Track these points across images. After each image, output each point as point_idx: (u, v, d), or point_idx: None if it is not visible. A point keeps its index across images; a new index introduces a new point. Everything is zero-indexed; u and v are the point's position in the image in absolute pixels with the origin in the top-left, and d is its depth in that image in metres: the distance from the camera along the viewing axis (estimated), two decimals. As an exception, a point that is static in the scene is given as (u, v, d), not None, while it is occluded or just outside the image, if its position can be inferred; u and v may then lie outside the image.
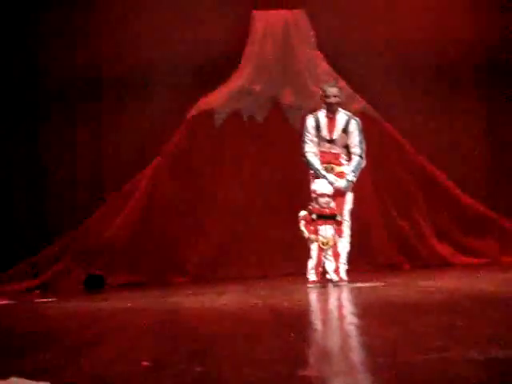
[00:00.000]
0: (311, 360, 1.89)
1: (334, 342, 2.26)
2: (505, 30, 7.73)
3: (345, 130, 5.52)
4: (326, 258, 5.07)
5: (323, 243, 5.02)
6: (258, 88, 7.45)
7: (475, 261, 7.19)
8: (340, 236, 5.16)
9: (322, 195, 5.14)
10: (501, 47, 7.74)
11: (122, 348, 2.34)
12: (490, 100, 7.79)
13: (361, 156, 5.51)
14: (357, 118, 5.63)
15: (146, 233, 7.20)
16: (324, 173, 5.42)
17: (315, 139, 5.56)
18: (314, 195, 5.21)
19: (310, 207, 5.19)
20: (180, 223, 7.29)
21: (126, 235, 7.15)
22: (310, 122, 5.58)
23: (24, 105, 7.67)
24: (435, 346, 1.91)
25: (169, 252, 7.20)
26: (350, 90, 7.32)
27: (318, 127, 5.54)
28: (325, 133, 5.53)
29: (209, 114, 7.43)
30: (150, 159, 7.41)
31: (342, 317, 3.24)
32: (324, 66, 7.44)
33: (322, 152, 5.56)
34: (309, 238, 5.05)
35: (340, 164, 5.59)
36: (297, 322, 2.92)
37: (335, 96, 5.49)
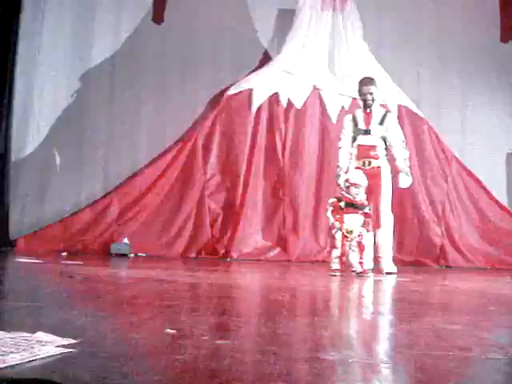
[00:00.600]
0: (330, 344, 1.90)
1: (353, 330, 2.27)
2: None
3: (381, 123, 5.64)
4: (350, 249, 5.06)
5: (347, 231, 5.01)
6: (298, 71, 7.43)
7: (502, 266, 7.12)
8: (367, 229, 5.15)
9: (355, 185, 5.13)
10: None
11: (145, 315, 2.38)
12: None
13: (404, 147, 5.68)
14: (392, 111, 5.81)
15: (177, 205, 7.25)
16: (341, 173, 5.57)
17: (351, 134, 5.70)
18: (346, 184, 5.20)
19: (340, 195, 5.19)
20: (211, 200, 7.32)
21: (157, 206, 7.22)
22: (347, 118, 5.81)
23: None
24: (456, 345, 1.91)
25: (199, 228, 7.23)
26: (394, 84, 7.27)
27: (355, 122, 5.70)
28: (362, 125, 5.67)
29: (247, 94, 7.43)
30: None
31: (363, 306, 3.25)
32: (369, 58, 7.40)
33: (359, 146, 5.67)
34: (333, 225, 5.05)
35: (377, 157, 5.61)
36: (318, 306, 2.93)
37: (370, 93, 5.64)
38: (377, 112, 5.68)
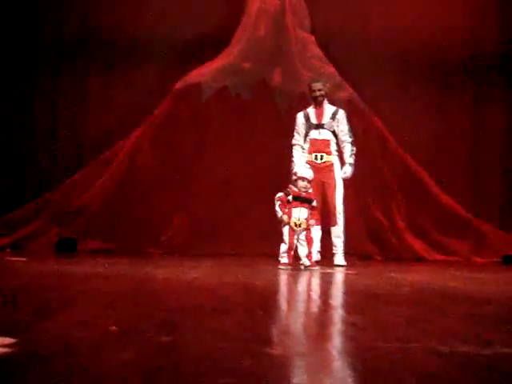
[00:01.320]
0: (277, 339, 1.90)
1: (300, 324, 2.28)
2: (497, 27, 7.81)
3: (333, 118, 5.82)
4: (298, 243, 5.09)
5: (296, 224, 5.04)
6: (247, 66, 7.42)
7: (447, 258, 7.28)
8: (313, 222, 5.18)
9: (302, 179, 5.16)
10: (492, 44, 7.80)
11: (89, 313, 2.34)
12: (476, 99, 7.84)
13: (351, 143, 5.85)
14: (343, 110, 5.95)
15: (122, 201, 7.17)
16: (298, 169, 5.55)
17: (304, 131, 5.86)
18: (294, 177, 5.24)
19: (288, 189, 5.22)
20: (158, 195, 7.27)
21: (102, 202, 7.12)
22: (299, 115, 5.94)
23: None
24: (400, 336, 1.93)
25: (144, 223, 7.19)
26: (339, 78, 7.32)
27: (307, 118, 5.86)
28: (314, 120, 5.83)
29: (196, 87, 7.38)
30: (132, 129, 7.37)
31: (310, 300, 3.27)
32: (316, 51, 7.43)
33: (312, 140, 5.82)
34: (282, 219, 5.07)
35: (329, 153, 5.75)
36: (265, 301, 2.93)
37: (320, 90, 5.85)
38: (328, 108, 5.87)
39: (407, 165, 7.53)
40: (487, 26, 7.80)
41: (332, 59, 7.40)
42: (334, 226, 5.73)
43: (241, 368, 1.39)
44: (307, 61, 7.33)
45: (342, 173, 5.78)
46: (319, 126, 5.81)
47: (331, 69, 7.34)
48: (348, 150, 5.82)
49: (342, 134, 5.81)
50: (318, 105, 5.86)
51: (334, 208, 5.71)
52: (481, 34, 7.78)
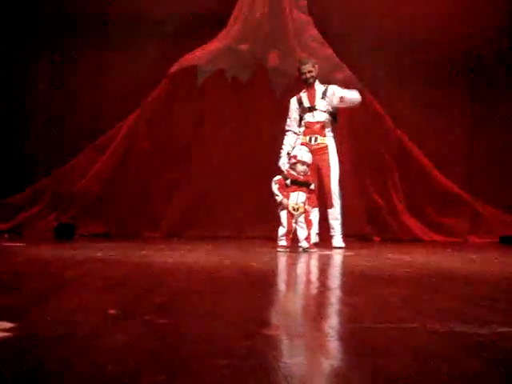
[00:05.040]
0: (275, 320, 1.91)
1: (297, 305, 2.29)
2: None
3: (323, 97, 5.78)
4: (297, 225, 5.09)
5: (294, 208, 5.04)
6: (243, 48, 7.38)
7: (444, 239, 7.30)
8: (311, 205, 5.19)
9: (302, 162, 5.16)
10: (491, 38, 7.77)
11: (87, 296, 2.34)
12: (473, 86, 7.84)
13: (356, 92, 5.83)
14: (332, 85, 5.89)
15: (119, 185, 7.17)
16: (284, 154, 5.77)
17: (297, 116, 5.85)
18: (293, 160, 5.23)
19: (286, 172, 5.22)
20: (155, 178, 7.27)
21: (100, 186, 7.12)
22: (292, 100, 5.94)
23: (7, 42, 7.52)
24: (397, 316, 1.94)
25: (142, 206, 7.20)
26: (337, 59, 7.29)
27: (300, 102, 5.85)
28: (306, 103, 5.81)
29: (191, 70, 7.35)
30: (127, 113, 7.34)
31: (308, 281, 3.28)
32: (313, 32, 7.40)
33: (307, 123, 5.81)
34: (281, 202, 5.07)
35: (324, 135, 5.73)
36: (263, 283, 2.94)
37: (310, 72, 5.82)
38: (319, 88, 5.84)
39: (404, 146, 7.53)
40: (490, 16, 7.77)
41: (330, 41, 7.37)
42: (330, 208, 5.73)
43: (239, 349, 1.40)
44: (304, 42, 7.30)
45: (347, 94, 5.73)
46: (312, 109, 5.79)
47: (329, 50, 7.31)
48: (349, 94, 5.78)
49: (338, 92, 5.73)
50: (309, 86, 5.84)
51: (330, 190, 5.71)
52: (484, 23, 7.75)
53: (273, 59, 7.43)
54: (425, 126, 7.72)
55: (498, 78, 7.79)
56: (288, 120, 5.91)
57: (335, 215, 5.74)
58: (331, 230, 5.77)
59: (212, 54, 7.39)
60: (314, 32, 7.40)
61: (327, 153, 5.76)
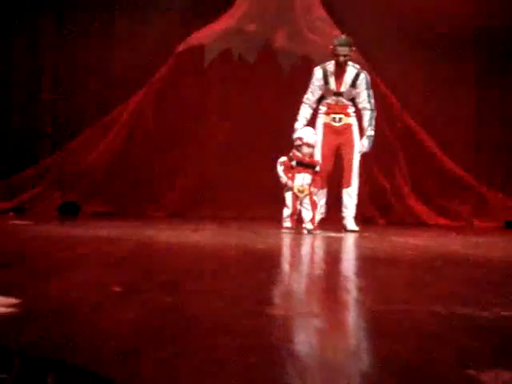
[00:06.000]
0: (278, 300, 1.91)
1: (301, 285, 2.29)
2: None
3: (353, 84, 5.47)
4: (302, 207, 5.09)
5: (299, 190, 5.04)
6: (251, 28, 7.33)
7: (449, 222, 7.29)
8: (316, 187, 5.18)
9: (308, 145, 5.13)
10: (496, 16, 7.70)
11: (92, 274, 2.35)
12: (480, 68, 7.77)
13: (372, 109, 5.50)
14: (365, 72, 5.54)
15: (124, 164, 7.17)
16: (299, 127, 5.41)
17: (319, 91, 5.51)
18: (298, 142, 5.19)
19: (291, 154, 5.19)
20: (160, 158, 7.26)
21: (105, 165, 7.12)
22: (317, 73, 5.51)
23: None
24: (401, 298, 1.94)
25: (146, 185, 7.20)
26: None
27: (325, 79, 5.48)
28: (333, 86, 5.48)
29: (198, 50, 7.31)
30: (133, 91, 7.31)
31: (311, 263, 3.29)
32: (320, 12, 7.32)
33: (328, 104, 5.54)
34: (285, 184, 5.07)
35: (348, 115, 5.55)
36: (267, 263, 2.95)
37: (345, 56, 5.38)
38: (349, 72, 5.46)
39: (410, 128, 7.49)
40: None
41: (337, 21, 7.30)
42: (348, 187, 5.52)
43: (242, 328, 1.40)
44: (312, 23, 7.23)
45: (359, 146, 5.48)
46: (337, 94, 5.50)
47: (336, 31, 7.24)
48: (367, 118, 5.49)
49: (361, 100, 5.49)
50: (340, 68, 5.42)
51: (351, 169, 5.50)
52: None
53: (280, 39, 7.38)
54: (431, 110, 7.68)
55: (507, 60, 7.71)
56: (309, 93, 5.53)
57: (352, 194, 5.54)
58: (344, 211, 5.58)
59: (219, 33, 7.35)
60: (322, 12, 7.33)
61: (352, 131, 5.56)
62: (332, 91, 5.49)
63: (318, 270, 2.82)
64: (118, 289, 1.86)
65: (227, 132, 7.36)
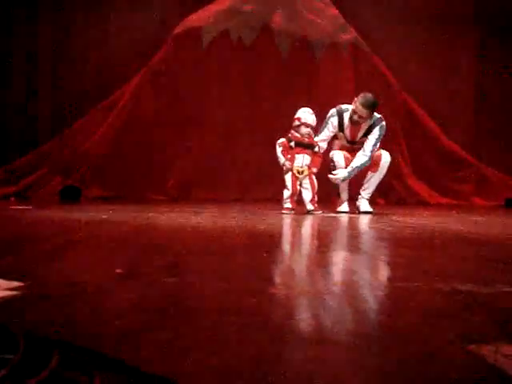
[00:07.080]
0: (280, 279, 1.92)
1: (303, 265, 2.30)
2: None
3: (368, 133, 5.38)
4: (302, 187, 5.09)
5: (298, 171, 5.04)
6: (248, 9, 7.31)
7: (450, 201, 7.30)
8: (316, 167, 5.19)
9: (305, 124, 5.13)
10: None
11: (94, 257, 2.36)
12: (482, 44, 7.74)
13: (368, 159, 5.34)
14: (383, 123, 5.37)
15: (125, 148, 7.17)
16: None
17: (331, 135, 5.42)
18: (297, 122, 5.20)
19: (290, 135, 5.19)
20: (160, 141, 7.26)
21: (105, 149, 7.12)
22: (333, 120, 5.36)
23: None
24: (400, 276, 1.95)
25: (147, 169, 7.21)
26: (342, 19, 7.21)
27: (341, 127, 5.37)
28: (347, 135, 5.40)
29: (196, 31, 7.29)
30: (131, 75, 7.30)
31: (313, 242, 3.30)
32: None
33: (342, 145, 5.51)
34: (284, 165, 5.07)
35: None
36: (269, 244, 2.96)
37: (361, 117, 5.23)
38: (367, 122, 5.36)
39: (410, 108, 7.49)
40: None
41: (336, 1, 7.26)
42: (374, 172, 5.51)
43: (244, 307, 1.41)
44: (310, 2, 7.20)
45: (335, 173, 5.31)
46: (351, 143, 5.45)
47: (334, 11, 7.22)
48: (359, 160, 5.32)
49: (366, 143, 5.35)
50: (356, 125, 5.31)
51: (381, 155, 5.49)
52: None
53: (278, 20, 7.35)
54: (431, 89, 7.65)
55: (509, 37, 7.67)
56: (322, 133, 5.35)
57: (375, 179, 5.54)
58: (362, 192, 5.54)
59: (217, 14, 7.32)
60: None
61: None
62: (346, 139, 5.44)
63: (319, 250, 2.83)
64: (120, 271, 1.87)
65: (226, 114, 7.36)
